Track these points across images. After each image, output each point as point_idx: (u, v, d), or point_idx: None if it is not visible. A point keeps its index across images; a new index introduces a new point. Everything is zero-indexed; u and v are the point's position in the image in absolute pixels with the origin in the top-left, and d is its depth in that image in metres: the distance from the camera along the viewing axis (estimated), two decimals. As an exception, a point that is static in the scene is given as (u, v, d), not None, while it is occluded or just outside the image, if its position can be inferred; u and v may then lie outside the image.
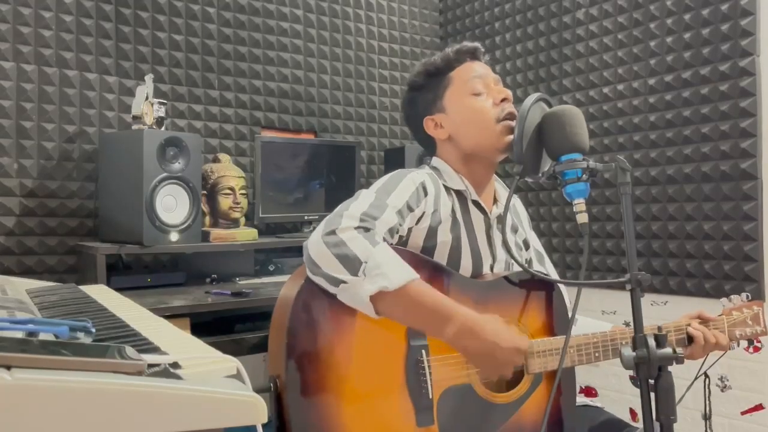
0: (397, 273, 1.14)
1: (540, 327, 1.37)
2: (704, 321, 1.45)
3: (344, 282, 1.13)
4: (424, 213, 1.32)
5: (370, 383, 1.20)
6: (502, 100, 1.37)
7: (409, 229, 1.31)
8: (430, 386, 1.24)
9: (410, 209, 1.29)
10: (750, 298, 1.54)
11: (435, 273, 1.29)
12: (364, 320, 1.18)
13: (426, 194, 1.34)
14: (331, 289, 1.16)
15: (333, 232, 1.15)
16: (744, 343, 1.52)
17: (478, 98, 1.39)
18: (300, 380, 1.15)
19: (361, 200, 1.24)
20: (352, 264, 1.12)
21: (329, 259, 1.13)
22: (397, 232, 1.27)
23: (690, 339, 1.42)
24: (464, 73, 1.41)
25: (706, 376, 1.49)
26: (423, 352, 1.24)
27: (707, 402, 1.51)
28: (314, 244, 1.16)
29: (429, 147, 1.50)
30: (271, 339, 1.27)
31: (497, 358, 1.18)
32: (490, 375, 1.23)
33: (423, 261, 1.29)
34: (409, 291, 1.14)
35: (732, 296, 1.53)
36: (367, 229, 1.17)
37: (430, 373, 1.24)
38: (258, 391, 1.22)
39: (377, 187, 1.31)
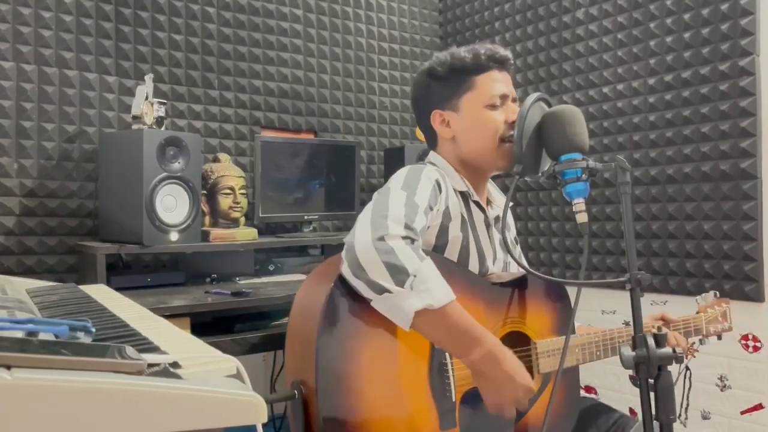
0: (442, 292, 1.13)
1: (548, 327, 1.38)
2: (666, 323, 1.46)
3: (389, 291, 1.11)
4: (438, 210, 1.32)
5: (396, 388, 1.19)
6: (514, 121, 1.35)
7: (428, 228, 1.31)
8: (453, 388, 1.24)
9: (431, 208, 1.28)
10: (718, 295, 1.58)
11: (456, 275, 1.28)
12: (389, 325, 1.17)
13: (440, 191, 1.33)
14: (370, 295, 1.14)
15: (383, 238, 1.13)
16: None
17: (493, 111, 1.37)
18: (330, 390, 1.14)
19: (396, 200, 1.21)
20: (400, 275, 1.11)
21: (377, 265, 1.11)
22: (424, 232, 1.26)
23: None
24: (488, 83, 1.38)
25: (687, 369, 1.52)
26: (447, 354, 1.24)
27: (685, 393, 1.54)
28: (364, 248, 1.13)
29: (430, 137, 1.48)
30: (292, 343, 1.25)
31: (507, 390, 1.18)
32: (492, 405, 1.21)
33: (446, 263, 1.29)
34: (448, 311, 1.14)
35: (704, 294, 1.57)
36: (412, 240, 1.15)
37: (453, 375, 1.24)
38: (282, 399, 1.21)
39: (401, 185, 1.27)
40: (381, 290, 1.12)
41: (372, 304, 1.15)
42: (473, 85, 1.39)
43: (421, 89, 1.46)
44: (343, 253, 1.17)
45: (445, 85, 1.41)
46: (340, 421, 1.14)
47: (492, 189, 1.52)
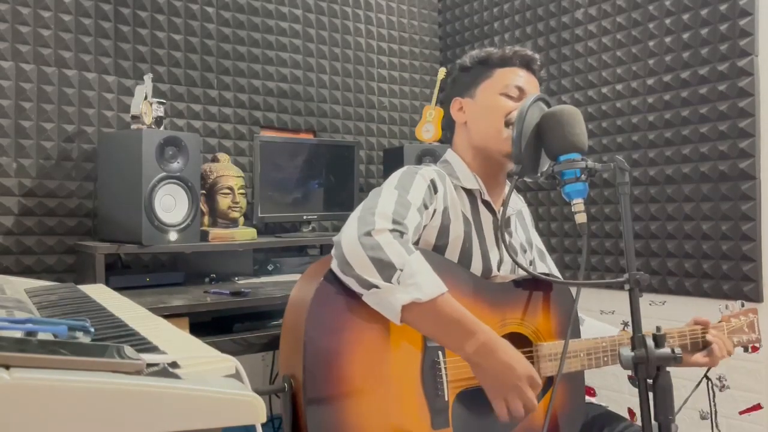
0: (430, 285, 1.13)
1: (552, 329, 1.37)
2: (705, 326, 1.45)
3: (376, 287, 1.12)
4: (435, 210, 1.33)
5: (386, 383, 1.19)
6: None
7: (424, 227, 1.31)
8: (446, 388, 1.24)
9: (425, 207, 1.29)
10: (744, 305, 1.56)
11: (454, 274, 1.28)
12: (381, 321, 1.18)
13: (436, 191, 1.34)
14: (360, 290, 1.14)
15: (369, 234, 1.13)
16: (740, 349, 1.53)
17: (507, 100, 1.39)
18: (316, 379, 1.14)
19: (386, 198, 1.23)
20: (387, 270, 1.11)
21: (363, 261, 1.12)
22: (419, 230, 1.27)
23: (706, 345, 1.41)
24: (507, 74, 1.42)
25: (708, 379, 1.50)
26: (440, 353, 1.24)
27: (712, 403, 1.51)
28: (349, 244, 1.14)
29: (450, 128, 1.51)
30: (284, 339, 1.26)
31: (508, 380, 1.16)
32: (496, 400, 1.18)
33: (444, 262, 1.29)
34: (438, 304, 1.13)
35: (728, 303, 1.54)
36: (401, 233, 1.16)
37: (446, 374, 1.24)
38: (272, 392, 1.21)
39: (395, 184, 1.29)
40: (369, 286, 1.13)
41: (363, 298, 1.15)
42: (492, 74, 1.43)
43: (450, 83, 1.53)
44: (333, 251, 1.18)
45: (468, 75, 1.46)
46: (325, 415, 1.14)
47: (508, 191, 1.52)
